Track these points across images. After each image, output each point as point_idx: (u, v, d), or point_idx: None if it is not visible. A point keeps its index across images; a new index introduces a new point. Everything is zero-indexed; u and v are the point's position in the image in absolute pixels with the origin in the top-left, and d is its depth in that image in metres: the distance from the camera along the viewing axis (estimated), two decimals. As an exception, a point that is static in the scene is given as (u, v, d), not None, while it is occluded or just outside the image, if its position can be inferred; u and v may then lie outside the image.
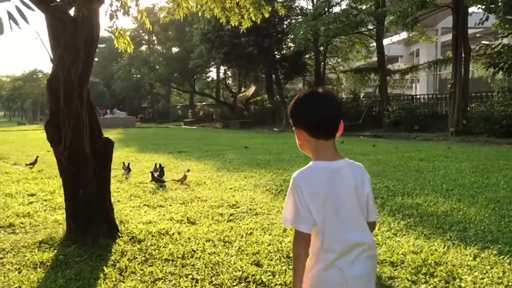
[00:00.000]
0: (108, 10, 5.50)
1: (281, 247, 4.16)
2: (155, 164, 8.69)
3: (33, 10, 3.06)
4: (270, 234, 4.57)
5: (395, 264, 3.73)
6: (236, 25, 7.43)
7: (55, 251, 3.99)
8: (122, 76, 54.18)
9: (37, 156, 9.95)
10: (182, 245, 4.20)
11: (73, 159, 4.12)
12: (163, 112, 55.57)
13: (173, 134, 24.68)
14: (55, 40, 4.20)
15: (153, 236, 4.46)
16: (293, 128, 1.89)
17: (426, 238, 4.40)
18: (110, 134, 21.50)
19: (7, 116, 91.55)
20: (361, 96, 29.20)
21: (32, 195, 6.77)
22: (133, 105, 61.03)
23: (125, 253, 3.96)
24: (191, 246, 4.18)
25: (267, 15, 7.20)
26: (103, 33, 55.45)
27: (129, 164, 8.99)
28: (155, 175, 7.80)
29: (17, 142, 17.79)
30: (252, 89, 8.92)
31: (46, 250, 4.02)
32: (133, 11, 5.86)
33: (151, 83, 54.28)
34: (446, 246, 4.15)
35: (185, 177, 7.84)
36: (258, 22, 7.33)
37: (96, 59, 70.93)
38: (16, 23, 3.02)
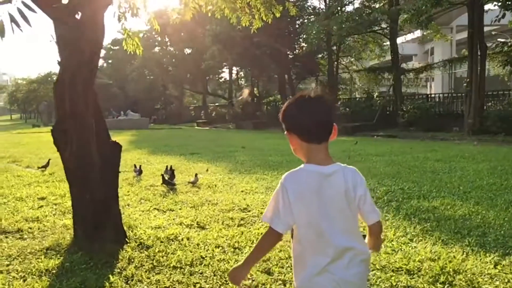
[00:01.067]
0: (116, 12, 5.48)
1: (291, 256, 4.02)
2: (166, 166, 8.61)
3: (35, 12, 2.98)
4: (281, 240, 4.43)
5: (412, 272, 3.57)
6: (247, 25, 7.33)
7: (61, 258, 3.91)
8: (136, 78, 54.50)
9: (49, 159, 9.94)
10: (191, 252, 4.09)
11: (80, 163, 4.03)
12: (176, 114, 55.70)
13: (186, 135, 24.66)
14: (61, 43, 4.12)
15: (161, 242, 4.36)
16: (285, 132, 1.88)
17: (443, 244, 4.23)
18: (123, 136, 21.71)
19: (23, 118, 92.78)
20: (375, 96, 28.91)
21: (42, 198, 6.72)
22: (147, 106, 61.25)
23: (132, 260, 3.86)
24: (200, 252, 4.07)
25: (278, 15, 7.07)
26: (116, 35, 55.92)
27: (140, 166, 8.93)
28: (166, 177, 7.72)
29: (31, 144, 17.90)
30: (246, 91, 8.94)
31: (53, 257, 3.94)
32: (143, 13, 5.83)
33: (164, 84, 54.50)
34: (465, 253, 3.98)
35: (197, 178, 7.81)
36: (269, 22, 7.22)
37: (109, 61, 72.04)
38: (18, 25, 2.93)
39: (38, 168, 9.81)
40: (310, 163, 1.84)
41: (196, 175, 8.00)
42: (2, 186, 7.82)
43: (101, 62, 75.33)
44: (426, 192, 6.66)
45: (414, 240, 4.39)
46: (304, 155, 1.88)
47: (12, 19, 2.91)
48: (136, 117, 40.86)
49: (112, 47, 62.83)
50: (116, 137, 18.36)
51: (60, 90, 3.88)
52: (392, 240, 4.36)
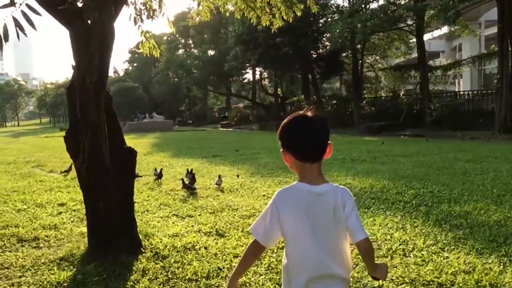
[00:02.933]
0: (132, 14, 5.35)
1: (315, 264, 3.80)
2: (187, 170, 8.48)
3: (40, 15, 2.84)
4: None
5: (444, 287, 3.30)
6: (267, 25, 7.13)
7: (74, 269, 3.78)
8: (160, 81, 54.98)
9: (72, 163, 9.93)
10: (208, 262, 3.90)
11: (93, 171, 3.89)
12: (200, 115, 55.95)
13: (209, 137, 24.61)
14: (73, 46, 4.00)
15: (177, 251, 4.18)
16: (281, 150, 1.91)
17: (478, 254, 3.93)
18: (147, 138, 21.85)
19: (52, 122, 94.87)
20: (401, 94, 28.32)
21: (62, 204, 6.66)
22: (171, 108, 61.74)
23: (146, 272, 3.70)
24: (218, 263, 3.88)
25: (299, 14, 6.84)
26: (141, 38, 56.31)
27: (161, 170, 8.82)
28: (186, 182, 7.58)
29: (56, 148, 18.07)
30: (241, 104, 8.91)
31: (65, 268, 3.81)
32: (159, 15, 5.69)
33: (188, 86, 54.78)
34: (501, 264, 3.67)
35: (220, 180, 7.77)
36: (290, 21, 7.01)
37: (134, 64, 73.00)
38: (22, 29, 2.80)
39: (61, 172, 9.81)
40: (302, 181, 1.87)
41: (219, 176, 7.90)
42: (24, 192, 7.81)
43: (126, 65, 76.65)
44: (457, 195, 6.32)
45: (446, 249, 4.10)
46: (298, 172, 1.90)
47: (17, 24, 2.77)
48: (160, 119, 41.14)
49: (136, 50, 63.55)
50: (140, 139, 18.66)
51: (71, 94, 3.76)
52: (421, 249, 4.08)
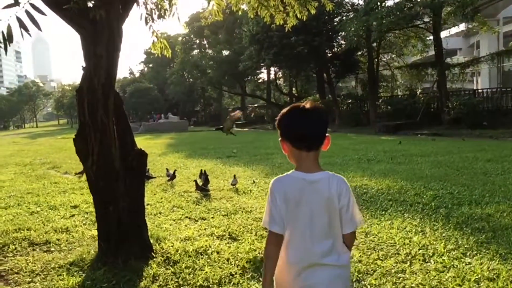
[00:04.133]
0: (143, 14, 5.28)
1: (331, 270, 3.66)
2: (201, 170, 8.39)
3: (45, 14, 2.76)
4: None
5: (467, 295, 3.14)
6: (281, 23, 7.01)
7: (84, 275, 3.70)
8: (175, 81, 55.16)
9: (86, 165, 9.93)
10: (220, 268, 3.79)
11: (102, 173, 3.81)
12: (215, 115, 56.01)
13: (224, 137, 24.39)
14: (82, 47, 3.92)
15: (189, 256, 4.08)
16: (279, 139, 1.96)
17: (502, 260, 3.75)
18: (162, 139, 21.85)
19: (69, 123, 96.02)
20: (418, 93, 27.87)
21: (75, 207, 6.63)
22: (186, 109, 61.99)
23: (156, 278, 3.60)
24: (230, 268, 3.76)
25: (313, 12, 6.70)
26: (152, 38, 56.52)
27: (174, 171, 8.75)
28: (199, 183, 7.49)
29: (72, 149, 18.08)
30: (238, 113, 8.78)
31: (75, 273, 3.74)
32: (171, 15, 5.61)
33: (203, 87, 54.87)
34: (528, 270, 3.49)
35: (236, 180, 7.73)
36: (304, 19, 6.88)
37: (150, 65, 73.43)
38: (26, 29, 2.72)
39: (75, 174, 9.82)
40: (297, 170, 1.92)
41: (234, 176, 7.83)
42: (38, 194, 7.81)
43: (142, 66, 77.17)
44: (478, 197, 6.11)
45: (468, 254, 3.92)
46: (295, 161, 1.94)
47: (21, 25, 2.69)
48: (175, 120, 41.26)
49: (151, 51, 63.91)
50: (155, 140, 18.70)
51: (80, 96, 3.67)
52: (442, 255, 3.92)
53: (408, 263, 3.76)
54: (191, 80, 55.18)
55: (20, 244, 4.74)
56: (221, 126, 7.61)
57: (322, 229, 1.87)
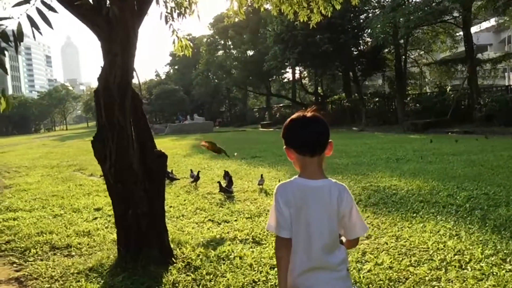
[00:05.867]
0: (163, 12, 5.17)
1: (359, 277, 3.45)
2: (224, 172, 8.25)
3: (56, 12, 2.64)
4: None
5: (510, 307, 2.89)
6: (304, 20, 6.82)
7: (102, 281, 3.59)
8: (200, 82, 55.40)
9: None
10: (243, 274, 3.62)
11: (120, 176, 3.69)
12: (240, 116, 55.99)
13: (249, 138, 24.40)
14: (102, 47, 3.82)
15: (210, 262, 3.92)
16: (284, 147, 2.02)
17: (547, 267, 3.46)
18: (187, 140, 21.77)
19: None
20: (448, 90, 27.13)
21: (98, 209, 6.58)
22: (212, 110, 62.19)
23: (176, 285, 3.45)
24: (253, 275, 3.59)
25: (338, 7, 6.48)
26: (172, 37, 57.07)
27: (198, 172, 8.62)
28: (223, 185, 7.35)
29: (99, 151, 18.39)
30: (204, 142, 8.63)
31: (93, 280, 3.63)
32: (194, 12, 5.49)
33: (228, 87, 54.94)
34: None
35: (263, 179, 7.63)
36: (329, 16, 6.67)
37: (176, 66, 74.00)
38: (37, 28, 2.61)
39: (100, 176, 9.82)
40: (301, 176, 1.98)
41: (261, 176, 7.74)
42: (63, 196, 7.82)
43: (167, 68, 77.87)
44: (515, 198, 5.77)
45: (509, 260, 3.64)
46: (299, 167, 2.00)
47: (32, 23, 2.58)
48: (201, 121, 41.38)
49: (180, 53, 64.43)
50: (180, 141, 18.64)
51: (97, 96, 3.57)
52: (480, 261, 3.65)
53: (443, 270, 3.51)
54: (216, 81, 55.31)
55: (41, 248, 4.69)
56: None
57: (322, 234, 1.93)
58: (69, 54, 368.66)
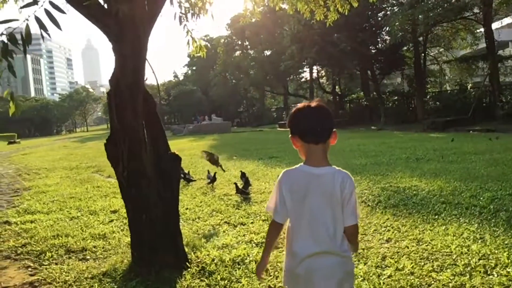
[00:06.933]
0: (177, 13, 5.11)
1: (380, 283, 3.32)
2: (241, 172, 8.17)
3: (65, 13, 2.59)
4: (365, 264, 3.73)
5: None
6: (321, 19, 6.71)
7: (116, 286, 3.53)
8: (218, 83, 55.58)
9: (128, 168, 9.95)
10: (258, 280, 3.53)
11: (133, 180, 3.63)
12: (258, 116, 55.92)
13: (266, 138, 24.30)
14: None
15: (225, 266, 3.83)
16: (290, 136, 2.09)
17: None
18: (205, 140, 21.81)
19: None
20: (469, 87, 26.59)
21: (114, 212, 6.57)
22: (230, 110, 62.26)
23: (190, 291, 3.39)
24: (268, 281, 3.49)
25: (355, 5, 6.35)
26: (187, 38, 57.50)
27: (215, 174, 8.56)
28: (239, 186, 7.27)
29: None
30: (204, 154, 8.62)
31: (106, 285, 3.58)
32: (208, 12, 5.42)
33: (245, 87, 54.95)
34: None
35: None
36: (346, 13, 6.56)
37: (193, 67, 74.42)
38: (46, 30, 2.56)
39: (118, 177, 9.84)
40: (306, 163, 2.04)
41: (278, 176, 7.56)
42: (80, 198, 7.85)
43: (185, 69, 78.29)
44: (542, 199, 5.55)
45: (537, 266, 3.47)
46: (304, 155, 2.06)
47: (41, 26, 2.53)
48: (218, 121, 41.45)
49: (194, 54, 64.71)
50: (198, 141, 18.66)
51: (109, 99, 3.52)
52: (506, 266, 3.49)
53: (468, 276, 3.36)
54: (233, 81, 55.43)
55: (57, 252, 4.67)
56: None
57: (325, 221, 1.98)
58: (89, 57, 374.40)
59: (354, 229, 2.03)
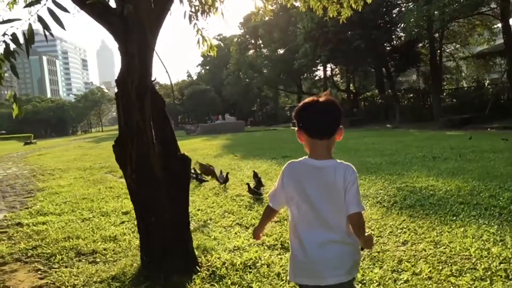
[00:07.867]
0: (187, 11, 5.04)
1: (395, 288, 3.20)
2: (254, 172, 8.07)
3: (68, 11, 2.52)
4: (380, 268, 3.60)
5: None
6: (334, 15, 6.57)
7: (124, 290, 3.47)
8: (231, 82, 55.58)
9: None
10: (270, 284, 3.43)
11: (142, 182, 3.56)
12: (271, 115, 55.79)
13: (280, 137, 24.17)
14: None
15: (237, 270, 3.74)
16: (296, 129, 2.12)
17: None
18: (218, 140, 21.79)
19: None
20: (486, 84, 26.13)
21: (126, 213, 6.52)
22: (243, 109, 62.24)
23: (200, 296, 3.30)
24: (280, 285, 3.39)
25: (369, 1, 6.20)
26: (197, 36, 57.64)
27: (227, 174, 8.47)
28: (252, 186, 7.17)
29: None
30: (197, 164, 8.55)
31: (115, 289, 3.52)
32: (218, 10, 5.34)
33: (259, 86, 54.85)
34: None
35: None
36: (359, 10, 6.42)
37: (207, 67, 74.62)
38: (49, 29, 2.49)
39: (130, 178, 9.82)
40: (309, 157, 2.08)
41: None
42: (93, 199, 7.83)
43: (199, 69, 78.50)
44: None
45: (562, 270, 3.31)
46: (308, 149, 2.09)
47: (45, 26, 2.46)
48: (232, 120, 41.44)
49: (207, 53, 64.89)
50: (211, 141, 18.62)
51: (117, 99, 3.44)
52: (529, 271, 3.33)
53: (488, 281, 3.22)
54: (247, 80, 55.33)
55: (67, 255, 4.62)
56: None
57: (328, 211, 2.01)
58: (104, 57, 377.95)
59: (358, 218, 2.02)
